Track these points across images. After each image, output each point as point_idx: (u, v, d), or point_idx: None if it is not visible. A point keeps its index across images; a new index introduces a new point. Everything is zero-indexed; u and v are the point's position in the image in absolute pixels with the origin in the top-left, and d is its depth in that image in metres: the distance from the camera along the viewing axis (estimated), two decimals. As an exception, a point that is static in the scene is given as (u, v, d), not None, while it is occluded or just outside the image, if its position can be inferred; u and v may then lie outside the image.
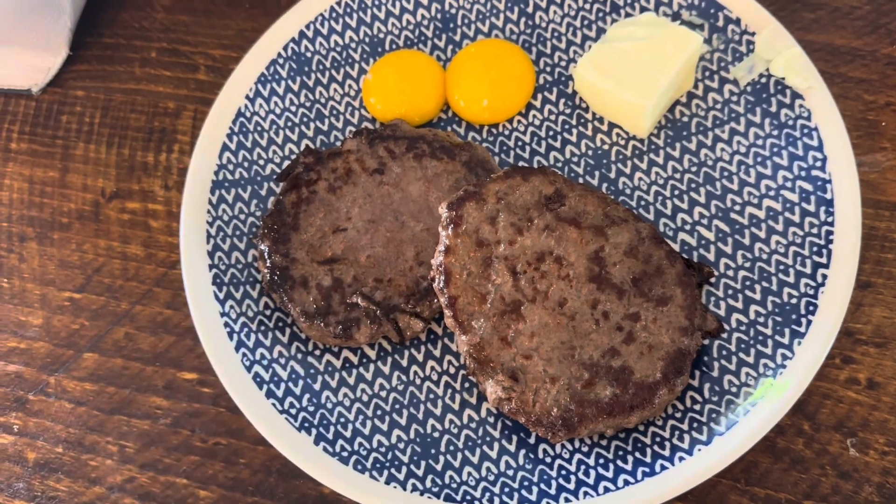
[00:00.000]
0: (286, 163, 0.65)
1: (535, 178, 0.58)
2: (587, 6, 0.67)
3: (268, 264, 0.58)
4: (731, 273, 0.58)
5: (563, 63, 0.66)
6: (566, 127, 0.64)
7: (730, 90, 0.63)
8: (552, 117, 0.65)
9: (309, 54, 0.68)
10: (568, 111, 0.65)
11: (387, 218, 0.60)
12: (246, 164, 0.64)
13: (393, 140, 0.62)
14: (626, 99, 0.60)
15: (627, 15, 0.66)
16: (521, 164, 0.64)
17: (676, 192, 0.61)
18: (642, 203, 0.61)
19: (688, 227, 0.60)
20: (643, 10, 0.66)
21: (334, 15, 0.69)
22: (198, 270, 0.60)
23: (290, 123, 0.66)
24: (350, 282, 0.58)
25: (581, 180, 0.62)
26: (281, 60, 0.67)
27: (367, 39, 0.69)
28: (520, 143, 0.64)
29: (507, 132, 0.65)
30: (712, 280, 0.58)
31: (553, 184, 0.58)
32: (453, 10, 0.69)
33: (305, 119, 0.66)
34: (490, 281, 0.55)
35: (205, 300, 0.59)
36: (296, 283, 0.58)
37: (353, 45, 0.68)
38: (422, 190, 0.60)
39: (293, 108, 0.66)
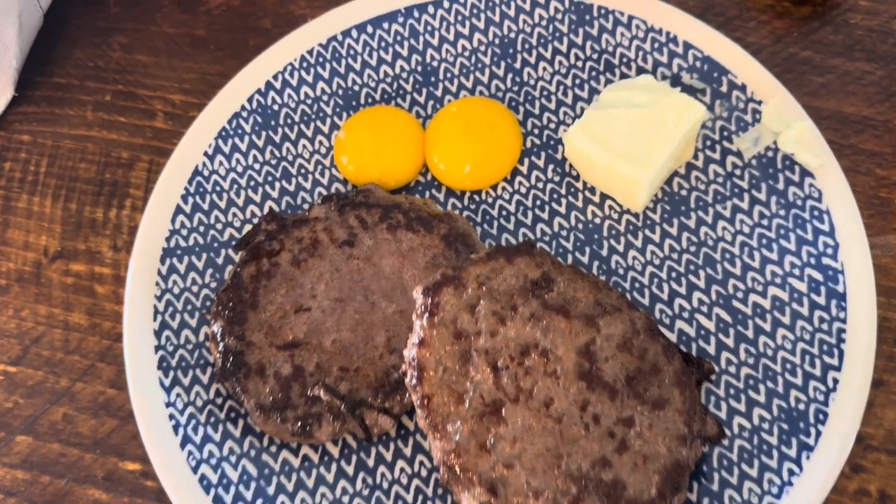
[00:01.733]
0: (246, 227, 0.59)
1: (520, 260, 0.52)
2: (579, 64, 0.62)
3: (220, 349, 0.52)
4: (732, 370, 0.52)
5: (552, 125, 0.61)
6: (555, 196, 0.59)
7: (733, 162, 0.58)
8: (540, 185, 0.59)
9: (276, 107, 0.62)
10: (557, 179, 0.59)
11: (356, 297, 0.54)
12: (202, 229, 0.58)
13: (365, 208, 0.57)
14: (620, 171, 0.55)
15: (623, 76, 0.61)
16: (504, 236, 0.58)
17: (674, 275, 0.56)
18: (636, 285, 0.56)
19: (686, 315, 0.54)
20: (640, 70, 0.61)
21: (305, 64, 0.63)
22: (142, 353, 0.54)
23: (252, 183, 0.60)
24: (312, 370, 0.52)
25: (570, 257, 0.57)
26: (245, 113, 0.61)
27: (340, 92, 0.63)
28: (504, 213, 0.59)
29: (490, 199, 0.59)
30: (713, 377, 0.52)
31: (540, 266, 0.52)
32: (435, 63, 0.63)
33: (270, 178, 0.60)
34: (468, 378, 0.49)
35: (148, 388, 0.53)
36: (251, 370, 0.52)
37: (325, 97, 0.63)
38: (395, 266, 0.55)
39: (257, 166, 0.61)
